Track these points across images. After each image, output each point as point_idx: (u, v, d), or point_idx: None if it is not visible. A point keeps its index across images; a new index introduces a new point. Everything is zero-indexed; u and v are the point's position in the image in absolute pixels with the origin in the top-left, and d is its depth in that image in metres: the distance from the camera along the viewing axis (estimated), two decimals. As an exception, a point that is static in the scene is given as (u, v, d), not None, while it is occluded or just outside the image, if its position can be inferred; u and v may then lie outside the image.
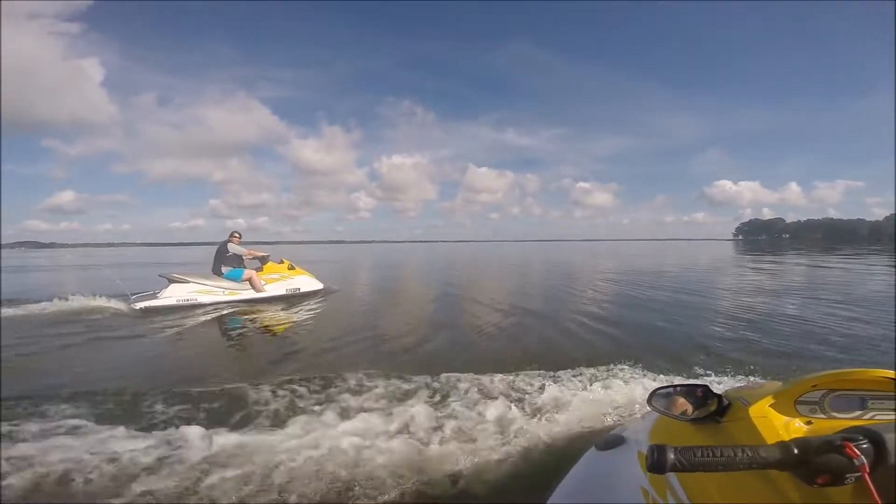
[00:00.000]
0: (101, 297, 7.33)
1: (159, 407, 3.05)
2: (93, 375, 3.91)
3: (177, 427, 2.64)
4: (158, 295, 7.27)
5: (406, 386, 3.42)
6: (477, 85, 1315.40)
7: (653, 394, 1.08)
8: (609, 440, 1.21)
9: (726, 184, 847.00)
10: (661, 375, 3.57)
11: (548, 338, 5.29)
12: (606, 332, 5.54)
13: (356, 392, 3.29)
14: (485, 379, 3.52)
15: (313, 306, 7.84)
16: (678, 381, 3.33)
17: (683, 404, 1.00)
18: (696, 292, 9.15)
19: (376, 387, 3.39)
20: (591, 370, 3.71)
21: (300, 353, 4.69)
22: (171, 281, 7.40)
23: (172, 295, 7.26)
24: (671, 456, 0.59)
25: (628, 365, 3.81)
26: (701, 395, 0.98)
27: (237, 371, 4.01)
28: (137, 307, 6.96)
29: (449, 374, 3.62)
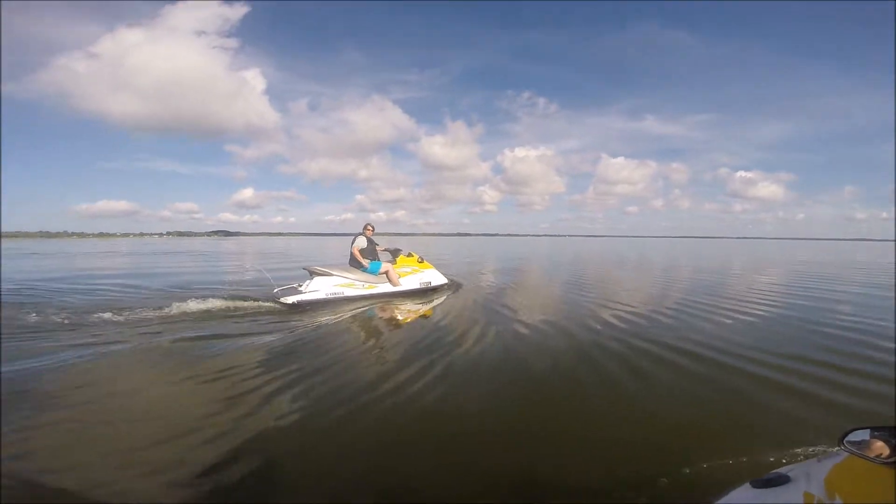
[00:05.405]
0: (248, 299, 6.94)
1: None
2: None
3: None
4: (302, 288, 7.12)
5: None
6: (601, 73, 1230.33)
7: (846, 433, 0.96)
8: (770, 478, 1.04)
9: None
10: None
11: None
12: None
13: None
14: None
15: (452, 301, 7.25)
16: None
17: (881, 447, 0.87)
18: None
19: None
20: None
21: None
22: (314, 274, 7.24)
23: (319, 288, 7.09)
24: None
25: None
26: None
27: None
28: (287, 301, 6.72)
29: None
